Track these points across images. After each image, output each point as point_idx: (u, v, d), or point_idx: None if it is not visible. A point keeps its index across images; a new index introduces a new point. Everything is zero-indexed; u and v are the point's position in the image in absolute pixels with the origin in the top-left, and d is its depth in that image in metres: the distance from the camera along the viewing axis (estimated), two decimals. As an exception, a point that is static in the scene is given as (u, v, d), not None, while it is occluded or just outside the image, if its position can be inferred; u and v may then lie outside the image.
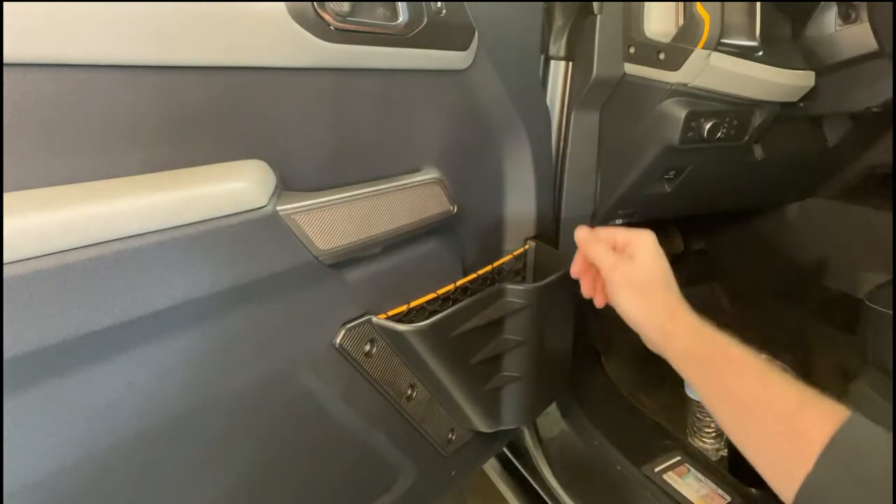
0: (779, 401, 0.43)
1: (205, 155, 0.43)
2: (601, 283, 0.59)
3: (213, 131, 0.44)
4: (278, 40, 0.44)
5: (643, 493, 0.80)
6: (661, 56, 0.75)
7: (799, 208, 1.30)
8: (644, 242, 0.55)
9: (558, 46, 0.80)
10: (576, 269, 0.62)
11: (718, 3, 0.71)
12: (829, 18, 0.83)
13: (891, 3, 0.75)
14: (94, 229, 0.36)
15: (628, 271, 0.54)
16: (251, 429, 0.53)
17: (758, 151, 0.98)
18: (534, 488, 1.01)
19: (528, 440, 0.97)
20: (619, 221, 0.97)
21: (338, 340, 0.56)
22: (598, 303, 0.61)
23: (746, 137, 0.86)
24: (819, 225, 1.27)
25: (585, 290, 0.62)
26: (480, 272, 0.71)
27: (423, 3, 0.53)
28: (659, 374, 1.05)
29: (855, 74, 0.85)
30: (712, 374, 0.48)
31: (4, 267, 0.33)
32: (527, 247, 0.78)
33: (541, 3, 0.73)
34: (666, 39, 0.75)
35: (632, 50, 0.77)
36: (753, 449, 0.45)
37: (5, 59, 0.33)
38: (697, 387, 0.49)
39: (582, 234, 0.59)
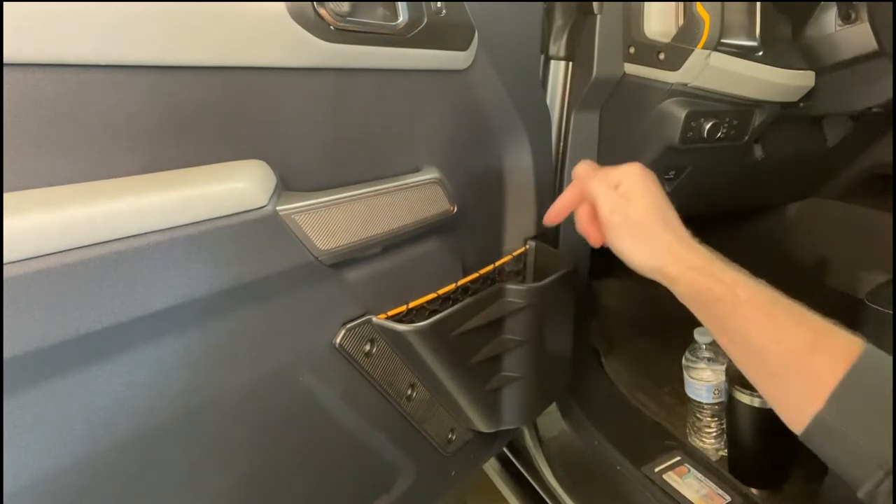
0: (789, 340, 0.42)
1: (205, 155, 0.43)
2: (597, 221, 0.53)
3: (213, 131, 0.44)
4: (278, 40, 0.44)
5: (643, 493, 0.80)
6: (661, 56, 0.75)
7: (799, 208, 1.30)
8: (635, 179, 0.51)
9: (558, 46, 0.80)
10: (565, 200, 0.56)
11: (718, 3, 0.71)
12: (829, 18, 0.84)
13: (891, 4, 0.75)
14: (94, 229, 0.36)
15: (625, 211, 0.50)
16: (251, 429, 0.53)
17: (758, 151, 0.98)
18: (534, 488, 1.01)
19: (528, 440, 0.97)
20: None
21: (338, 340, 0.56)
22: (593, 242, 0.56)
23: (746, 137, 0.86)
24: (819, 225, 1.27)
25: (580, 226, 0.56)
26: (480, 272, 0.71)
27: (423, 3, 0.53)
28: (659, 374, 1.05)
29: (855, 74, 0.85)
30: (719, 316, 0.45)
31: (4, 267, 0.33)
32: (527, 247, 0.78)
33: (541, 3, 0.73)
34: (666, 39, 0.75)
35: (632, 50, 0.77)
36: (765, 386, 0.44)
37: (5, 59, 0.33)
38: (706, 326, 0.47)
39: (583, 168, 0.55)
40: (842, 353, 0.40)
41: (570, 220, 0.78)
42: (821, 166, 1.17)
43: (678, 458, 0.84)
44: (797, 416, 0.41)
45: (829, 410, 0.39)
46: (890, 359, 0.40)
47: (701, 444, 0.88)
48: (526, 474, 1.03)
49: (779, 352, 0.42)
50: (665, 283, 0.49)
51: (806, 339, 0.41)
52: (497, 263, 0.74)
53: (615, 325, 1.21)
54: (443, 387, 0.67)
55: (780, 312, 0.43)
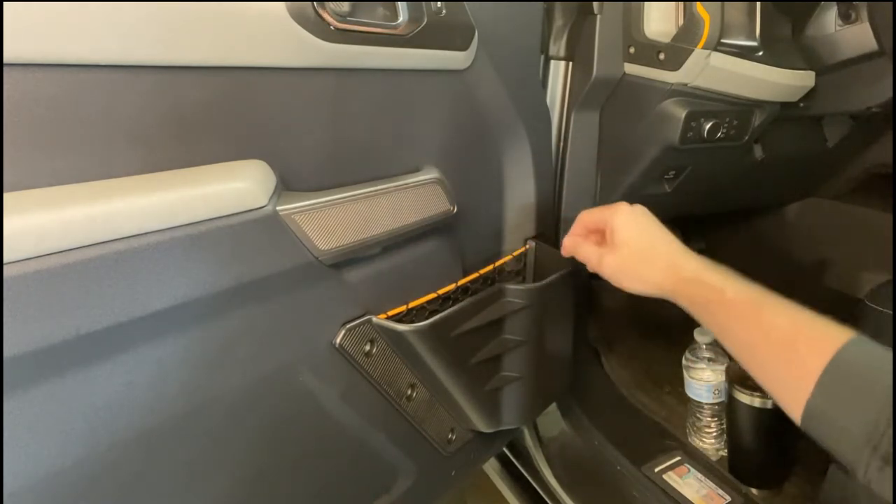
0: (774, 333, 0.45)
1: (205, 155, 0.43)
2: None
3: (213, 131, 0.44)
4: (278, 40, 0.44)
5: (643, 493, 0.80)
6: (661, 56, 0.75)
7: (799, 208, 1.30)
8: (619, 223, 0.57)
9: (558, 46, 0.80)
10: (568, 249, 0.64)
11: (718, 3, 0.71)
12: (829, 18, 0.84)
13: (891, 4, 0.75)
14: (94, 229, 0.36)
15: (615, 260, 0.57)
16: (251, 429, 0.53)
17: (758, 151, 0.98)
18: (534, 488, 1.01)
19: (528, 440, 0.97)
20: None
21: (338, 340, 0.56)
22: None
23: (746, 137, 0.86)
24: (819, 225, 1.27)
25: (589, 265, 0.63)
26: (481, 272, 0.71)
27: (423, 3, 0.53)
28: (659, 374, 1.05)
29: (855, 74, 0.85)
30: (713, 317, 0.50)
31: (4, 267, 0.33)
32: (527, 247, 0.78)
33: (541, 3, 0.73)
34: (666, 39, 0.75)
35: (632, 50, 0.77)
36: (762, 380, 0.47)
37: (5, 59, 0.33)
38: (707, 328, 0.52)
39: (567, 248, 0.64)
40: (827, 342, 0.42)
41: (569, 219, 0.78)
42: (821, 166, 1.16)
43: (678, 458, 0.84)
44: (793, 406, 0.43)
45: (817, 396, 0.41)
46: (878, 346, 0.41)
47: (701, 444, 0.88)
48: (526, 474, 1.03)
49: (767, 345, 0.46)
50: (668, 297, 0.55)
51: (790, 331, 0.44)
52: (497, 263, 0.74)
53: (615, 325, 1.21)
54: (443, 387, 0.67)
55: (766, 309, 0.47)
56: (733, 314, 0.48)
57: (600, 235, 0.61)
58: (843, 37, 0.82)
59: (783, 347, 0.44)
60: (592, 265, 0.60)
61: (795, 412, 0.43)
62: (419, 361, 0.63)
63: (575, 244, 0.63)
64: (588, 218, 0.62)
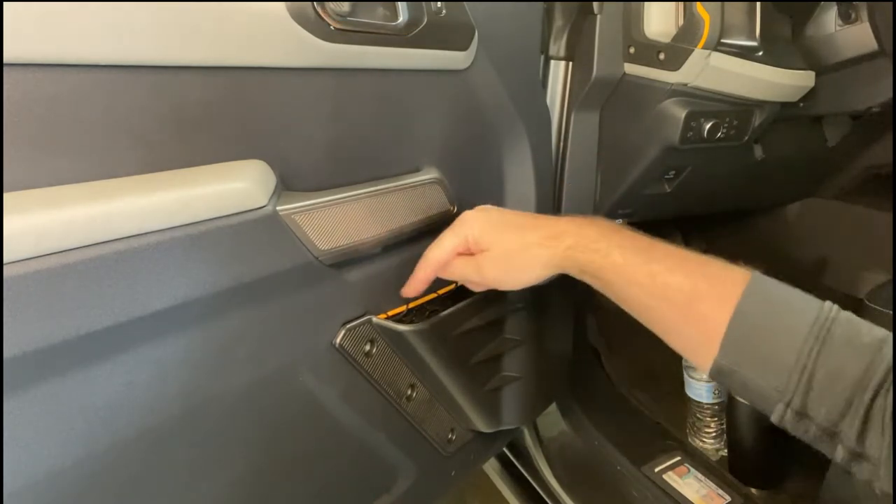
0: (672, 294, 0.43)
1: (205, 155, 0.43)
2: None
3: (213, 131, 0.44)
4: (278, 40, 0.44)
5: (643, 493, 0.80)
6: (661, 56, 0.75)
7: (799, 208, 1.30)
8: (475, 229, 0.53)
9: (558, 46, 0.80)
10: (419, 287, 0.57)
11: (718, 3, 0.71)
12: (829, 18, 0.83)
13: (891, 4, 0.75)
14: (94, 229, 0.36)
15: (492, 260, 0.53)
16: (251, 429, 0.53)
17: (758, 151, 0.98)
18: (534, 488, 1.01)
19: (528, 440, 0.97)
20: (618, 221, 0.97)
21: (338, 340, 0.56)
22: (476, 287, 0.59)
23: (746, 137, 0.86)
24: (819, 225, 1.27)
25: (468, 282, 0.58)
26: (480, 272, 0.71)
27: (423, 3, 0.53)
28: (659, 374, 1.05)
29: (855, 74, 0.85)
30: (608, 286, 0.48)
31: (4, 267, 0.33)
32: (527, 247, 0.78)
33: (541, 3, 0.73)
34: (666, 39, 0.75)
35: (632, 50, 0.77)
36: (668, 340, 0.46)
37: (5, 59, 0.33)
38: (606, 295, 0.49)
39: (427, 273, 0.56)
40: (726, 295, 0.41)
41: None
42: (821, 166, 1.16)
43: (678, 458, 0.84)
44: (700, 362, 0.43)
45: (723, 356, 0.41)
46: (777, 284, 0.42)
47: (701, 444, 0.88)
48: (526, 474, 1.03)
49: (668, 307, 0.44)
50: (563, 272, 0.51)
51: (687, 288, 0.43)
52: (497, 263, 0.74)
53: (615, 325, 1.21)
54: (443, 387, 0.67)
55: (659, 268, 0.44)
56: (626, 279, 0.46)
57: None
58: (843, 37, 0.82)
59: (684, 308, 0.43)
60: (472, 277, 0.54)
61: (703, 368, 0.43)
62: (419, 361, 0.63)
63: (439, 267, 0.55)
64: (439, 253, 0.54)
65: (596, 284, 0.49)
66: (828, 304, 0.41)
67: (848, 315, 0.40)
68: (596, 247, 0.47)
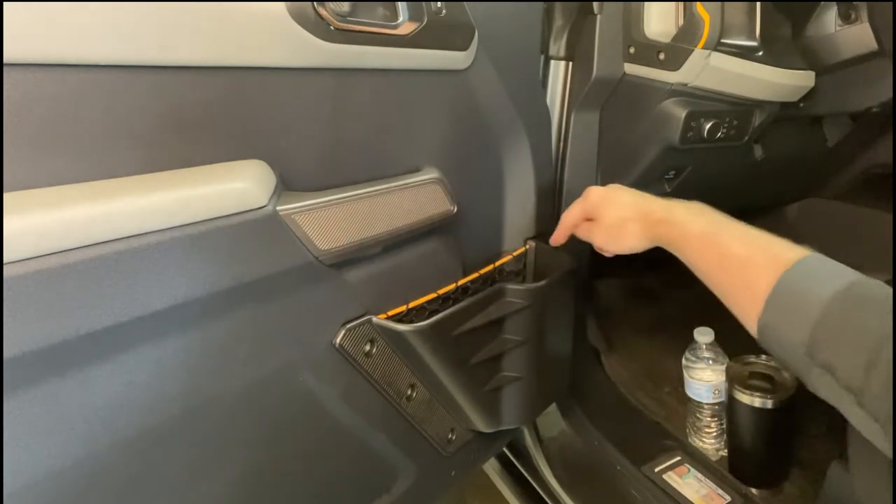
0: (729, 260, 0.49)
1: (205, 155, 0.43)
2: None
3: (213, 131, 0.44)
4: (278, 40, 0.44)
5: (643, 493, 0.80)
6: (661, 56, 0.75)
7: (799, 208, 1.30)
8: (594, 201, 0.63)
9: (558, 46, 0.80)
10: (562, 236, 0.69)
11: (718, 3, 0.71)
12: (829, 18, 0.84)
13: (891, 4, 0.75)
14: (94, 229, 0.36)
15: (602, 228, 0.62)
16: (251, 428, 0.53)
17: (758, 151, 0.98)
18: (534, 488, 1.01)
19: (528, 440, 0.97)
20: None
21: (338, 340, 0.56)
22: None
23: (746, 137, 0.86)
24: (819, 225, 1.27)
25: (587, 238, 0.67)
26: (480, 272, 0.71)
27: (423, 3, 0.53)
28: (659, 374, 1.05)
29: (855, 74, 0.85)
30: (682, 252, 0.55)
31: (4, 267, 0.33)
32: (527, 247, 0.78)
33: (541, 3, 0.73)
34: (666, 39, 0.75)
35: (632, 50, 0.77)
36: (724, 301, 0.51)
37: (5, 59, 0.33)
38: (684, 262, 0.55)
39: (562, 230, 0.68)
40: (777, 264, 0.45)
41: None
42: (821, 166, 1.16)
43: (678, 458, 0.84)
44: (750, 324, 0.47)
45: (765, 314, 0.45)
46: (828, 261, 0.45)
47: (701, 444, 0.88)
48: (526, 474, 1.03)
49: (723, 271, 0.50)
50: (655, 244, 0.59)
51: (744, 256, 0.48)
52: (497, 263, 0.74)
53: (615, 325, 1.21)
54: (443, 387, 0.67)
55: (723, 238, 0.51)
56: (695, 245, 0.53)
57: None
58: (843, 37, 0.82)
59: (737, 272, 0.48)
60: (588, 237, 0.65)
61: (752, 329, 0.46)
62: (419, 361, 0.63)
63: (569, 227, 0.67)
64: (569, 217, 0.66)
65: (676, 252, 0.56)
66: (867, 277, 0.43)
67: (879, 282, 0.43)
68: (681, 220, 0.55)
